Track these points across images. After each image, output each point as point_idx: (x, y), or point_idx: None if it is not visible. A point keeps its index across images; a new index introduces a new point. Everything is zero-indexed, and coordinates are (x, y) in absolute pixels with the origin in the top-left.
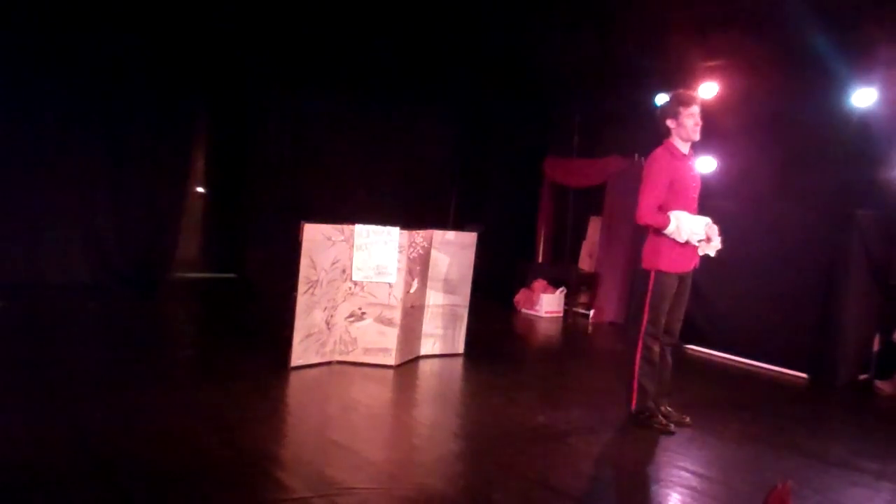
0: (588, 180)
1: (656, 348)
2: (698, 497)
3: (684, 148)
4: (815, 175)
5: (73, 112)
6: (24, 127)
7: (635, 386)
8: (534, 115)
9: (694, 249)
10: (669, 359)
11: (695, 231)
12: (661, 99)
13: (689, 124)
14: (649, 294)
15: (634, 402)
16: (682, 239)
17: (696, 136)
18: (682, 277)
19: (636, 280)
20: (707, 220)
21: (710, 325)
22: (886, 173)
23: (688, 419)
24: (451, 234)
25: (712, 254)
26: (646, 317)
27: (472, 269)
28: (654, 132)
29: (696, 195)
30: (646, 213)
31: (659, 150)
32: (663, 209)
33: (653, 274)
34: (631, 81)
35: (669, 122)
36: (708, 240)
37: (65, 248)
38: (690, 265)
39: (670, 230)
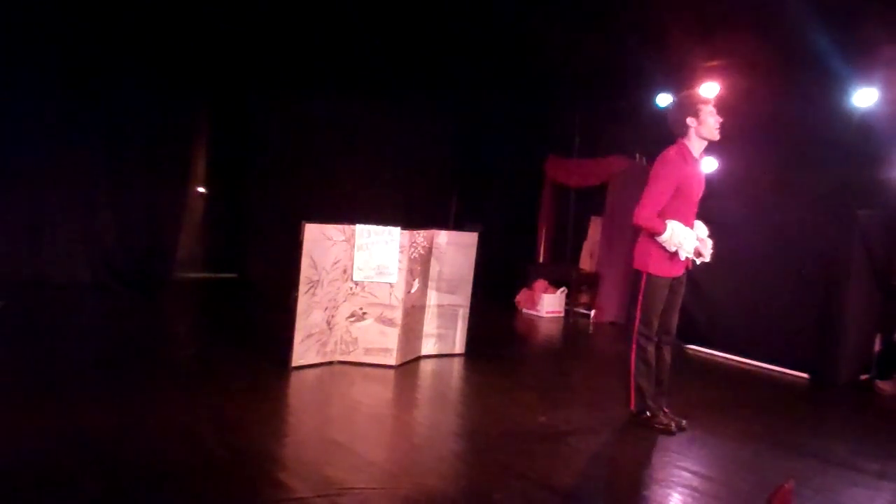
0: (589, 180)
1: (651, 348)
2: (698, 497)
3: (697, 150)
4: (815, 175)
5: (73, 112)
6: (24, 127)
7: (633, 386)
8: (534, 114)
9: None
10: (668, 357)
11: (685, 247)
12: (663, 99)
13: (711, 122)
14: (641, 295)
15: (633, 402)
16: (671, 249)
17: (717, 135)
18: (674, 279)
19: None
20: (698, 234)
21: (711, 325)
22: (887, 173)
23: (684, 423)
24: (452, 234)
25: (698, 262)
26: (638, 317)
27: (472, 269)
28: (655, 132)
29: (697, 200)
30: (644, 216)
31: (672, 152)
32: (663, 213)
33: (644, 275)
34: (631, 81)
35: (690, 121)
36: (697, 254)
37: (65, 247)
38: (681, 269)
39: (664, 238)
